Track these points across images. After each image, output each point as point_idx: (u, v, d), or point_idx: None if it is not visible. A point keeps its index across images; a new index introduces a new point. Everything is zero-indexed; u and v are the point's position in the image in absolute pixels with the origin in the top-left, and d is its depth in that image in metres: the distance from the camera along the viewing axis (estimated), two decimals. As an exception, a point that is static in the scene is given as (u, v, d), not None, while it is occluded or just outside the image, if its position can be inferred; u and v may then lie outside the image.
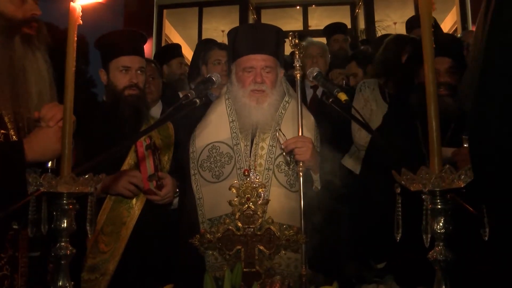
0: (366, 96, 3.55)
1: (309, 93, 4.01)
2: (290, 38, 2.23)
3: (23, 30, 1.86)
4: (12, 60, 1.82)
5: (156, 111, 3.38)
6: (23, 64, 1.85)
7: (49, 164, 1.73)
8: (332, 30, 5.34)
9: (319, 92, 3.99)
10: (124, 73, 2.59)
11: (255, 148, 2.37)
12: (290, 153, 2.19)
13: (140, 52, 2.70)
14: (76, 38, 1.37)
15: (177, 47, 5.13)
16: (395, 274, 1.76)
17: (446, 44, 2.79)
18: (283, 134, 2.27)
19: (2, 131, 1.77)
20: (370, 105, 3.41)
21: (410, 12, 8.34)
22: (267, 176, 2.32)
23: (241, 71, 2.39)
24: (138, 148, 2.41)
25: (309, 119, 2.47)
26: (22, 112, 1.83)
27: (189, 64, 4.79)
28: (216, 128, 2.46)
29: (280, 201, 2.28)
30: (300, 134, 2.19)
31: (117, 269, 2.40)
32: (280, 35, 2.46)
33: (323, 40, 5.67)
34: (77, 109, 1.51)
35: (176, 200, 2.56)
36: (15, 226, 1.78)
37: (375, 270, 1.76)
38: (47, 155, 1.73)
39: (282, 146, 2.23)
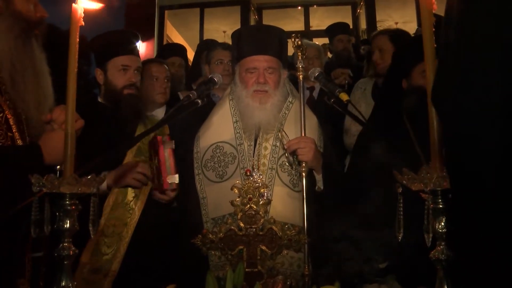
0: (356, 98, 3.57)
1: (306, 94, 4.00)
2: (292, 39, 2.24)
3: (35, 32, 1.88)
4: (34, 61, 1.83)
5: (160, 113, 3.37)
6: (41, 66, 1.87)
7: (58, 166, 1.72)
8: (336, 30, 5.31)
9: (315, 93, 3.99)
10: (123, 73, 2.60)
11: (258, 148, 2.38)
12: (293, 153, 2.20)
13: (137, 52, 2.73)
14: (78, 39, 1.38)
15: (177, 47, 5.12)
16: (397, 273, 1.76)
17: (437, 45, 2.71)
18: (286, 135, 2.28)
19: (9, 133, 1.78)
20: (359, 106, 3.38)
21: (411, 12, 8.33)
22: (271, 176, 2.33)
23: (244, 71, 2.40)
24: (159, 145, 2.38)
25: (312, 120, 2.48)
26: (34, 114, 1.83)
27: (182, 66, 4.78)
28: (220, 128, 2.47)
29: (284, 201, 2.29)
30: (303, 134, 2.19)
31: (120, 269, 2.40)
32: (283, 36, 2.47)
33: (325, 40, 5.67)
34: (81, 110, 1.51)
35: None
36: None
37: (377, 269, 1.76)
38: (61, 159, 1.72)
39: (285, 147, 2.24)
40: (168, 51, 4.78)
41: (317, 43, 4.69)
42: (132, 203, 2.47)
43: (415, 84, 2.51)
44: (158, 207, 2.50)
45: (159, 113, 3.33)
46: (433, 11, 1.24)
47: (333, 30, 5.32)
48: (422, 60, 2.51)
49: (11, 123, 1.79)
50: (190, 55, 6.14)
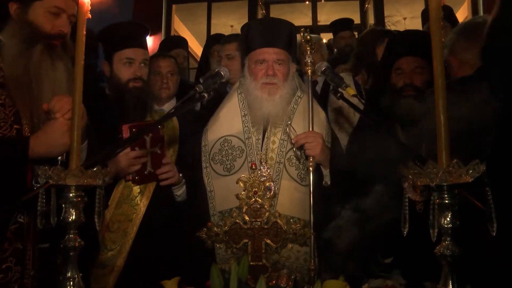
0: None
1: (309, 88, 3.98)
2: (301, 33, 2.24)
3: (47, 40, 1.90)
4: (27, 68, 1.84)
5: (170, 107, 3.37)
6: (39, 72, 1.87)
7: (59, 157, 1.73)
8: (338, 26, 5.28)
9: (318, 87, 3.96)
10: (128, 66, 2.59)
11: (266, 142, 2.38)
12: (301, 148, 2.20)
13: (143, 45, 2.71)
14: (85, 32, 1.38)
15: (181, 39, 5.15)
16: (403, 269, 1.75)
17: (411, 42, 2.59)
18: (294, 129, 2.28)
19: (16, 126, 1.79)
20: (342, 103, 3.35)
21: (420, 7, 8.24)
22: (278, 170, 2.33)
23: (254, 64, 2.41)
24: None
25: (321, 115, 2.49)
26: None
27: (185, 58, 4.80)
28: (228, 122, 2.48)
29: (291, 195, 2.30)
30: (310, 129, 2.19)
31: (125, 264, 2.41)
32: (293, 30, 2.48)
33: (331, 36, 5.64)
34: (87, 104, 1.51)
35: (182, 191, 2.57)
36: (20, 219, 1.79)
37: (382, 265, 1.76)
38: (54, 150, 1.72)
39: (292, 141, 2.24)
40: (171, 44, 4.80)
41: (319, 36, 4.66)
42: (137, 199, 2.48)
43: (391, 82, 2.52)
44: (164, 203, 2.51)
45: (169, 107, 3.32)
46: (442, 4, 1.23)
47: (336, 27, 5.29)
48: (399, 57, 2.50)
49: (21, 115, 1.80)
50: (198, 49, 6.14)
